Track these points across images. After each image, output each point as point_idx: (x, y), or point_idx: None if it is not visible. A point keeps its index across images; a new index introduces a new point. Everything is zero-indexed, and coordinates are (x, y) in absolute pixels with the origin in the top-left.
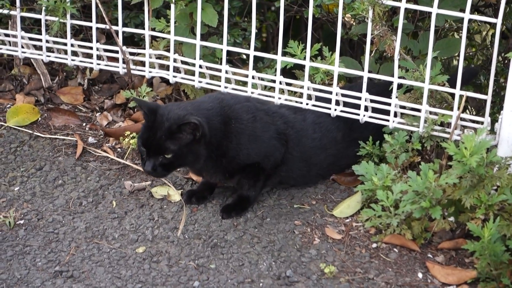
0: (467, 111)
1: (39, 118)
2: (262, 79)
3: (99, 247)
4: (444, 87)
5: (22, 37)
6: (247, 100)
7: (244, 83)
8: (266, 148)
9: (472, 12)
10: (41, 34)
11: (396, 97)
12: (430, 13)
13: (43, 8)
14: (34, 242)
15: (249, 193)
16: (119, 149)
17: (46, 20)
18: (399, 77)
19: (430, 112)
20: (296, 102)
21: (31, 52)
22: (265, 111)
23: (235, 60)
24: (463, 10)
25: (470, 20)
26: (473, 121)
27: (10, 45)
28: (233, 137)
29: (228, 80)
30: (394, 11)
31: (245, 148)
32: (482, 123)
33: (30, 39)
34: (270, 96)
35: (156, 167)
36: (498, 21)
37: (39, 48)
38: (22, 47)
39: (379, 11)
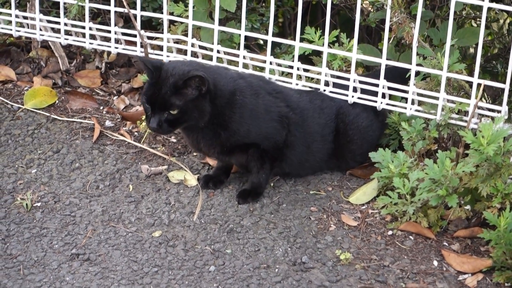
0: (483, 99)
1: (57, 101)
2: (280, 65)
3: (115, 231)
4: (462, 75)
5: (41, 20)
6: (250, 76)
7: (262, 69)
8: (267, 129)
9: (490, 1)
10: (59, 17)
11: (414, 85)
12: (448, 0)
13: None
14: (51, 225)
15: (259, 177)
16: (136, 133)
17: (64, 3)
18: (417, 65)
19: (448, 100)
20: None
21: (49, 35)
22: (269, 90)
23: (252, 45)
24: None
25: (488, 9)
26: (490, 110)
27: (28, 28)
28: (236, 109)
29: (245, 65)
30: None
31: (246, 123)
32: (499, 111)
33: (48, 22)
34: (287, 82)
35: (162, 123)
36: None
37: (57, 31)
38: (40, 29)
39: None
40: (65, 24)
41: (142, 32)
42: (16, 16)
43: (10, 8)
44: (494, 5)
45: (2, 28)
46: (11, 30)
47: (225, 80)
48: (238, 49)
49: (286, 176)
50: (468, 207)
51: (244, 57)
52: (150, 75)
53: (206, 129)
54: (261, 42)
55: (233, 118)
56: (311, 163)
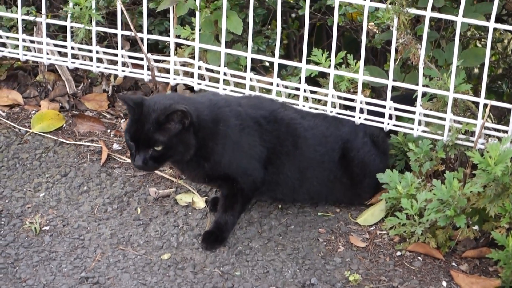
0: (489, 119)
1: (64, 125)
2: (286, 87)
3: (124, 254)
4: (468, 96)
5: (47, 44)
6: (239, 105)
7: (268, 91)
8: (247, 164)
9: (496, 21)
10: (66, 40)
11: (420, 105)
12: (454, 21)
13: (69, 15)
14: (59, 248)
15: (226, 217)
16: None
17: (71, 27)
18: (423, 86)
19: (454, 121)
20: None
21: (56, 59)
22: (258, 119)
23: (258, 68)
24: (486, 17)
25: (493, 30)
26: (497, 130)
27: (35, 52)
28: (219, 139)
29: (252, 88)
30: (418, 19)
31: (228, 155)
32: (506, 132)
33: (55, 45)
34: (294, 104)
35: (147, 161)
36: None
37: (64, 54)
38: (47, 53)
39: (404, 20)
40: (72, 48)
41: (149, 55)
42: (23, 40)
43: (17, 32)
44: (499, 25)
45: (9, 52)
46: (18, 54)
47: (208, 110)
48: (245, 71)
49: (279, 201)
50: (476, 227)
51: (251, 79)
52: (132, 111)
53: (190, 160)
54: (267, 64)
55: (215, 149)
56: (307, 189)
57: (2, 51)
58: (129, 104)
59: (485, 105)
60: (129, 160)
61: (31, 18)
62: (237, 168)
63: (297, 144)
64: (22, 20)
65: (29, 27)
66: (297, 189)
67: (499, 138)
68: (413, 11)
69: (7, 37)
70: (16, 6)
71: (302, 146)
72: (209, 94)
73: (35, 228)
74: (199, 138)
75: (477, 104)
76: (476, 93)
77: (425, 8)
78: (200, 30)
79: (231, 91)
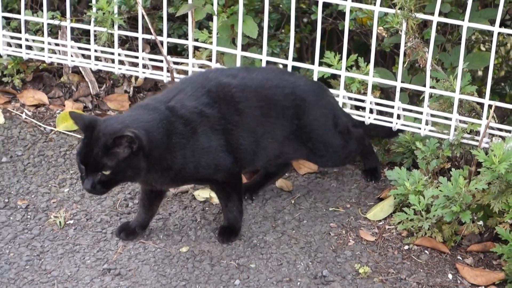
0: (493, 119)
1: None
2: None
3: (145, 247)
4: (474, 97)
5: (72, 47)
6: (182, 106)
7: None
8: (214, 160)
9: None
10: (89, 43)
11: (428, 106)
12: (459, 26)
13: (92, 19)
14: (83, 241)
15: (231, 211)
16: None
17: (94, 31)
18: (431, 87)
19: (460, 121)
20: None
21: (80, 61)
22: (202, 112)
23: None
24: (490, 22)
25: (497, 34)
26: (500, 130)
27: (60, 54)
28: (177, 151)
29: None
30: (425, 23)
31: (191, 161)
32: (509, 131)
33: (79, 48)
34: None
35: (95, 185)
36: None
37: (88, 57)
38: (71, 56)
39: (412, 24)
40: (95, 51)
41: (168, 57)
42: (49, 43)
43: (43, 36)
44: (503, 30)
45: (35, 54)
46: (43, 56)
47: (159, 127)
48: None
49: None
50: (480, 222)
51: None
52: (84, 133)
53: (151, 172)
54: (281, 66)
55: (175, 160)
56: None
57: (29, 54)
58: (80, 125)
59: (490, 106)
60: None
61: (56, 22)
62: (207, 167)
63: (239, 111)
64: (48, 24)
65: (54, 31)
66: (256, 151)
67: (502, 138)
68: (421, 16)
69: (33, 40)
70: (42, 11)
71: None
72: (153, 109)
73: (59, 222)
74: (154, 157)
75: (481, 105)
76: (480, 94)
77: (432, 13)
78: (217, 34)
79: None
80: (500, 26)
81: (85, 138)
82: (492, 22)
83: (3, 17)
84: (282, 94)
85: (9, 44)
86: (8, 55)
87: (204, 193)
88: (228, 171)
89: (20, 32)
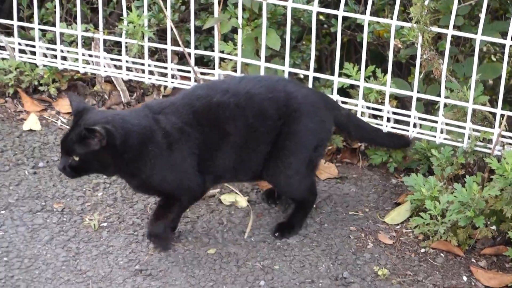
0: (504, 127)
1: None
2: None
3: (174, 249)
4: (486, 107)
5: (104, 58)
6: (176, 123)
7: None
8: (181, 179)
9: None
10: (121, 55)
11: (442, 115)
12: (472, 38)
13: (124, 31)
14: (116, 243)
15: (158, 224)
16: None
17: (126, 43)
18: (445, 97)
19: (473, 129)
20: None
21: (112, 71)
22: (182, 129)
23: (293, 79)
24: (504, 34)
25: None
26: None
27: (93, 65)
28: (147, 160)
29: None
30: (439, 36)
31: (157, 173)
32: None
33: (111, 59)
34: None
35: (66, 168)
36: None
37: (119, 67)
38: (104, 66)
39: (428, 37)
40: (126, 61)
41: (195, 68)
42: (83, 54)
43: (77, 47)
44: None
45: (70, 65)
46: (78, 66)
47: (139, 131)
48: None
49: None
50: (493, 227)
51: None
52: (73, 117)
53: (123, 174)
54: (302, 76)
55: (143, 169)
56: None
57: (63, 64)
58: (73, 110)
59: (502, 115)
60: None
61: (90, 34)
62: (170, 185)
63: (225, 133)
64: (82, 36)
65: (87, 42)
66: (239, 168)
67: None
68: (436, 29)
69: (68, 51)
70: (76, 23)
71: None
72: (145, 112)
73: (94, 224)
74: (124, 159)
75: (494, 114)
76: (491, 102)
77: (446, 26)
78: (242, 46)
79: None
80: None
81: (72, 122)
82: (503, 34)
83: (39, 29)
84: (274, 107)
85: (45, 55)
86: (44, 65)
87: (230, 198)
88: (191, 192)
89: (55, 43)
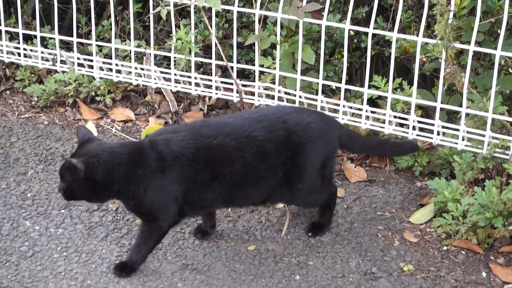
0: None
1: None
2: (351, 107)
3: (217, 245)
4: (505, 116)
5: (155, 71)
6: (166, 144)
7: (335, 111)
8: (168, 202)
9: None
10: (170, 68)
11: (464, 124)
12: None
13: (172, 47)
14: (164, 240)
15: (138, 252)
16: None
17: (174, 57)
18: (467, 107)
19: (492, 137)
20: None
21: (161, 83)
22: (178, 157)
23: (326, 91)
24: None
25: None
26: None
27: (144, 77)
28: (140, 183)
29: (322, 108)
30: (461, 51)
31: (150, 194)
32: None
33: (161, 72)
34: (357, 121)
35: (62, 191)
36: None
37: (168, 79)
38: (154, 78)
39: (451, 53)
40: (175, 74)
41: (237, 80)
42: (135, 68)
43: (130, 61)
44: None
45: (124, 77)
46: (131, 79)
47: (127, 158)
48: (317, 94)
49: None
50: (511, 227)
51: (321, 101)
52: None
53: (121, 199)
54: (334, 87)
55: (137, 191)
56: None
57: (118, 77)
58: (78, 139)
59: None
60: None
61: (142, 50)
62: (159, 205)
63: (221, 174)
64: (134, 51)
65: (139, 57)
66: (230, 203)
67: None
68: (459, 45)
69: (122, 65)
70: (130, 40)
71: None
72: (139, 141)
73: None
74: (115, 187)
75: (511, 123)
76: (509, 113)
77: (468, 42)
78: (279, 60)
79: None
80: None
81: (74, 151)
82: None
83: (96, 45)
84: (274, 147)
85: (101, 68)
86: (101, 78)
87: None
88: (172, 217)
89: (111, 58)
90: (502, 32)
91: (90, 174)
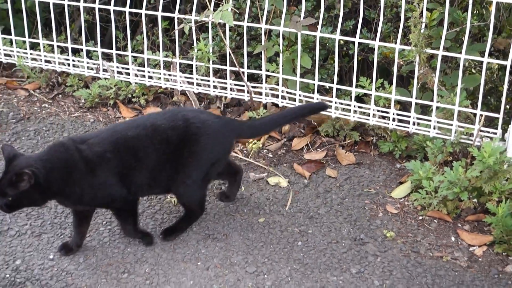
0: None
1: None
2: (341, 103)
3: (234, 218)
4: (468, 109)
5: (180, 76)
6: (98, 152)
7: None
8: (109, 194)
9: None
10: (192, 74)
11: (435, 116)
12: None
13: (194, 56)
14: None
15: (129, 228)
16: (245, 151)
17: (196, 65)
18: (437, 102)
19: (458, 126)
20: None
21: (186, 86)
22: (103, 155)
23: (321, 90)
24: (482, 53)
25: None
26: (489, 132)
27: (172, 82)
28: (75, 185)
29: None
30: (432, 55)
31: (87, 193)
32: (495, 133)
33: (185, 77)
34: (346, 115)
35: (3, 206)
36: (508, 63)
37: (191, 83)
38: (180, 83)
39: (423, 57)
40: (196, 79)
41: (248, 83)
42: (164, 74)
43: (159, 69)
44: (491, 60)
45: (155, 82)
46: (160, 83)
47: (59, 164)
48: (313, 93)
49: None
50: (475, 200)
51: (317, 99)
52: (5, 164)
53: (58, 199)
54: (327, 87)
55: (72, 193)
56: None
57: (150, 81)
58: (4, 157)
59: (481, 115)
60: (234, 154)
61: (169, 59)
62: (102, 200)
63: (138, 157)
64: (163, 60)
65: (167, 65)
66: (151, 185)
67: (490, 138)
68: (430, 51)
69: (153, 72)
70: (159, 51)
71: (142, 157)
72: (71, 144)
73: (174, 201)
74: (52, 190)
75: (474, 114)
76: (472, 106)
77: (437, 48)
78: (282, 66)
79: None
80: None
81: (5, 168)
82: (482, 53)
83: (132, 56)
84: (176, 133)
85: (136, 75)
86: (136, 83)
87: (274, 180)
88: (123, 200)
89: (144, 66)
90: (466, 39)
91: (36, 180)
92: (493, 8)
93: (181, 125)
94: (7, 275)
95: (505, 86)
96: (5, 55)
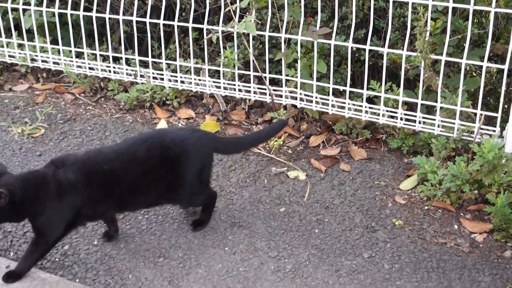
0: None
1: (220, 129)
2: (354, 105)
3: (257, 208)
4: (469, 109)
5: (209, 81)
6: (64, 172)
7: (342, 107)
8: (57, 224)
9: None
10: (219, 78)
11: (439, 115)
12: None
13: (221, 63)
14: (219, 205)
15: (27, 261)
16: (267, 147)
17: (223, 70)
18: (441, 103)
19: (461, 124)
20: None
21: (214, 90)
22: (74, 185)
23: (335, 92)
24: (482, 58)
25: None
26: (488, 129)
27: (201, 86)
28: (40, 205)
29: (333, 105)
30: (436, 60)
31: (45, 214)
32: (494, 131)
33: (214, 82)
34: (358, 115)
35: None
36: (506, 67)
37: (218, 87)
38: (209, 87)
39: (428, 62)
40: (224, 83)
41: (269, 86)
42: (194, 79)
43: (191, 74)
44: (490, 64)
45: (186, 86)
46: (191, 87)
47: (33, 184)
48: (328, 95)
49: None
50: (476, 191)
51: (332, 100)
52: None
53: (29, 218)
54: (341, 90)
55: (38, 211)
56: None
57: (182, 86)
58: None
59: (481, 114)
60: (258, 150)
61: (199, 65)
62: (50, 225)
63: (110, 191)
64: (193, 67)
65: (197, 71)
66: (120, 209)
67: (490, 135)
68: (434, 56)
69: (185, 77)
70: (190, 58)
71: (115, 190)
72: (50, 165)
73: None
74: (26, 207)
75: (475, 113)
76: (473, 106)
77: (441, 54)
78: (300, 71)
79: (320, 108)
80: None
81: None
82: (481, 58)
83: (166, 63)
84: (153, 163)
85: (170, 80)
86: (169, 87)
87: (294, 173)
88: (56, 237)
89: (176, 72)
90: (467, 46)
91: (12, 198)
92: (491, 17)
93: (158, 154)
94: (57, 259)
95: (503, 88)
96: (54, 63)
